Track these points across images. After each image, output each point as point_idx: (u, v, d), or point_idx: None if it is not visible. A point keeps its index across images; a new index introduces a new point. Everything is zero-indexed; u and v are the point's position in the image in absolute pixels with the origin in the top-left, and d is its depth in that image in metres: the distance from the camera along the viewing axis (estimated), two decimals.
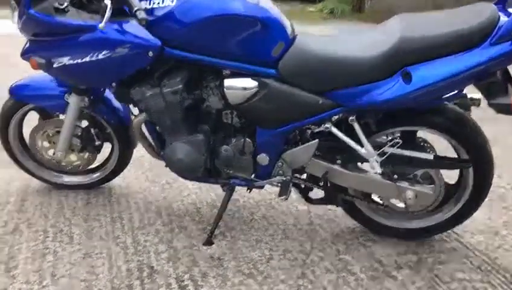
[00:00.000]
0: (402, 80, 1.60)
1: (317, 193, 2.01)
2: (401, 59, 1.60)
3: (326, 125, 1.77)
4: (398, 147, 1.79)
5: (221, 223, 2.11)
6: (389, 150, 1.78)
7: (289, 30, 1.76)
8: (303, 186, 2.01)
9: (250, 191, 2.04)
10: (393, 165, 1.82)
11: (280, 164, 1.91)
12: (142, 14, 1.56)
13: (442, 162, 1.82)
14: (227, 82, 1.76)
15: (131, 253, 1.92)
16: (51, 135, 2.25)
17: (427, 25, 1.63)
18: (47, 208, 2.26)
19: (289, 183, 1.91)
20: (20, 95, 2.14)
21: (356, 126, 1.75)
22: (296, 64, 1.72)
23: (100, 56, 1.74)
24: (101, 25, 1.57)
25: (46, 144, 2.28)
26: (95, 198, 2.37)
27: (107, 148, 2.32)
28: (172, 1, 1.68)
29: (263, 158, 1.90)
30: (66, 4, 1.73)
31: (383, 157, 1.77)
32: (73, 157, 2.30)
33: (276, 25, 1.71)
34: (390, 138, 1.83)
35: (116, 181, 2.47)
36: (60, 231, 2.07)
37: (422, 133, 1.83)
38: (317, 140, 1.82)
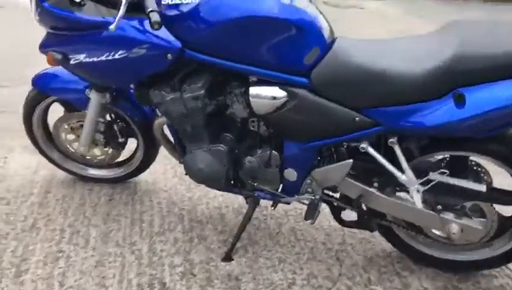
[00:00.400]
0: (454, 103, 1.35)
1: (350, 214, 1.80)
2: (455, 79, 1.35)
3: (363, 145, 1.55)
4: (444, 174, 1.55)
5: (245, 234, 1.95)
6: (434, 177, 1.55)
7: (327, 33, 1.54)
8: (335, 204, 1.81)
9: (274, 208, 1.87)
10: (438, 194, 1.58)
11: (309, 181, 1.72)
12: (155, 17, 1.38)
13: (498, 196, 1.57)
14: (253, 90, 1.57)
15: (145, 264, 1.81)
16: (74, 128, 2.15)
17: (489, 38, 1.36)
18: (68, 203, 2.18)
19: (317, 206, 1.72)
20: (42, 87, 2.04)
21: (397, 149, 1.52)
22: (331, 74, 1.50)
23: (116, 56, 1.60)
24: (111, 27, 1.41)
25: (70, 136, 2.19)
26: (118, 194, 2.28)
27: (133, 143, 2.21)
28: None
29: (290, 173, 1.71)
30: None
31: (426, 187, 1.54)
32: (97, 151, 2.20)
33: (312, 29, 1.49)
34: (435, 162, 1.60)
35: (144, 175, 2.36)
36: (77, 231, 1.99)
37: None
38: (351, 160, 1.61)
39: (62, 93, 2.03)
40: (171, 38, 1.55)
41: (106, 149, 2.17)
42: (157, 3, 1.44)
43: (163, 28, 1.54)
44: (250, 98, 1.58)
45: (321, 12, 1.59)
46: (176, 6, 1.52)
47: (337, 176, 1.66)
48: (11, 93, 3.52)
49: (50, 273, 1.76)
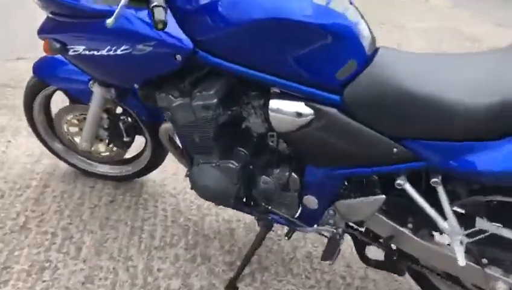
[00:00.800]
0: None
1: (376, 252, 1.55)
2: None
3: (399, 181, 1.29)
4: (492, 223, 1.28)
5: (254, 257, 1.73)
6: (482, 226, 1.28)
7: (367, 44, 1.27)
8: (358, 238, 1.57)
9: (289, 238, 1.63)
10: (485, 246, 1.32)
11: (332, 212, 1.48)
12: (159, 14, 1.13)
13: None
14: (274, 103, 1.33)
15: (139, 286, 1.61)
16: (78, 120, 1.95)
17: None
18: (66, 201, 2.00)
19: (338, 242, 1.48)
20: (42, 75, 1.84)
21: (440, 191, 1.25)
22: (368, 94, 1.24)
23: (118, 51, 1.37)
24: (108, 21, 1.17)
25: (72, 129, 1.99)
26: (121, 195, 2.08)
27: (141, 139, 2.00)
28: None
29: (311, 201, 1.47)
30: None
31: (472, 239, 1.28)
32: (101, 147, 1.99)
33: (350, 38, 1.23)
34: (481, 205, 1.33)
35: (153, 174, 2.14)
36: (70, 237, 1.80)
37: None
38: (384, 196, 1.36)
39: (64, 84, 1.82)
40: (182, 36, 1.31)
41: (111, 146, 1.97)
42: None
43: (173, 23, 1.31)
44: (269, 112, 1.34)
45: (363, 16, 1.32)
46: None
47: (366, 211, 1.41)
48: (29, 67, 3.36)
49: (31, 287, 1.57)
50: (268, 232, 1.65)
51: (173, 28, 1.30)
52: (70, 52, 1.47)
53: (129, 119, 1.89)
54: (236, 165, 1.47)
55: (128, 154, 2.07)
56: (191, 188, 1.60)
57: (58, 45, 1.48)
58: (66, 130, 1.98)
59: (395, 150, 1.25)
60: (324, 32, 1.20)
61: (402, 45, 4.14)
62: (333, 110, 1.28)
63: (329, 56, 1.23)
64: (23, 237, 1.78)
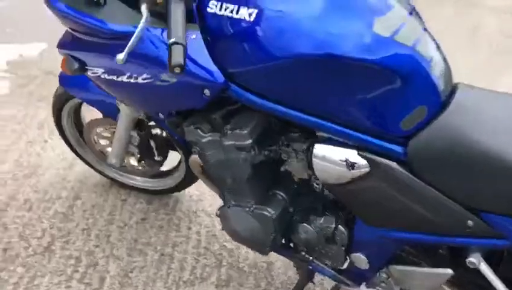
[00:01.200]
0: None
1: None
2: None
3: (473, 259, 1.03)
4: None
5: None
6: None
7: (442, 85, 1.00)
8: None
9: None
10: None
11: (384, 275, 1.24)
12: (178, 56, 0.90)
13: None
14: (320, 150, 1.09)
15: None
16: (109, 134, 1.79)
17: None
18: (95, 217, 1.86)
19: None
20: (68, 87, 1.68)
21: None
22: (440, 150, 0.98)
23: (139, 80, 1.17)
24: (119, 56, 0.97)
25: (103, 142, 1.83)
26: (154, 212, 1.92)
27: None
28: (250, 15, 1.01)
29: (360, 259, 1.24)
30: None
31: None
32: (133, 161, 1.83)
33: (422, 80, 0.97)
34: None
35: (190, 188, 1.96)
36: (95, 264, 1.66)
37: None
38: (450, 271, 1.10)
39: (90, 98, 1.64)
40: (212, 67, 1.08)
41: (142, 162, 1.80)
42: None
43: (203, 52, 1.08)
44: (313, 158, 1.10)
45: (439, 47, 1.05)
46: (225, 20, 1.05)
47: (427, 284, 1.16)
48: None
49: None
50: (307, 283, 1.44)
51: (203, 57, 1.08)
52: (89, 73, 1.29)
53: (163, 133, 1.71)
54: (273, 213, 1.25)
55: (164, 167, 1.90)
56: (222, 229, 1.41)
57: (76, 65, 1.29)
58: (96, 142, 1.84)
59: (469, 222, 0.99)
60: (388, 73, 0.94)
61: (478, 28, 3.73)
62: (394, 165, 1.03)
63: (394, 101, 0.98)
64: (46, 260, 1.66)
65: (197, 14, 1.09)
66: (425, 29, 1.04)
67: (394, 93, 0.97)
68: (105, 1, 1.16)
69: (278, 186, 1.28)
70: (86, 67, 1.29)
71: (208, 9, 1.07)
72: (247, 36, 1.01)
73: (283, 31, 0.98)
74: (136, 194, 2.00)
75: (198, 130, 1.21)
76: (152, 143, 1.69)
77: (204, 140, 1.21)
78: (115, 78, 1.22)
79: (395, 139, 1.02)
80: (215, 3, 1.05)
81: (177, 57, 0.90)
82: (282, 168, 1.23)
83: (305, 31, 0.96)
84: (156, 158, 1.72)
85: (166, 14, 0.96)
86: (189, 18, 1.05)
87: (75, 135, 1.93)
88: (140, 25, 0.99)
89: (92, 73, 1.28)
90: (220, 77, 1.08)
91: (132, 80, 1.19)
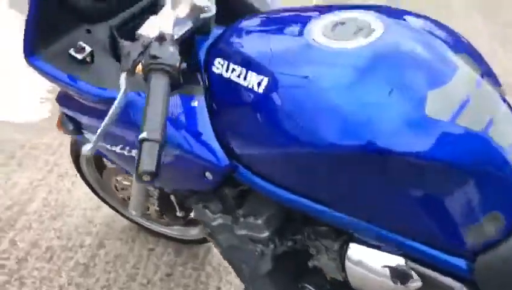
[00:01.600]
0: None
1: None
2: None
3: None
4: None
5: None
6: None
7: None
8: None
9: None
10: None
11: None
12: (149, 160, 0.66)
13: None
14: (355, 252, 0.83)
15: None
16: (127, 183, 1.61)
17: None
18: (118, 272, 1.69)
19: None
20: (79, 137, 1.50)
21: None
22: None
23: (133, 153, 0.97)
24: (85, 148, 0.77)
25: (123, 191, 1.66)
26: (181, 266, 1.72)
27: None
28: (259, 84, 0.76)
29: None
30: (86, 53, 0.94)
31: None
32: (155, 212, 1.64)
33: (494, 179, 0.69)
34: None
35: None
36: None
37: None
38: None
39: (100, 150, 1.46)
40: (215, 145, 0.85)
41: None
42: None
43: (205, 124, 0.86)
44: (347, 261, 0.84)
45: None
46: (232, 86, 0.81)
47: None
48: None
49: None
50: None
51: (204, 131, 0.86)
52: (85, 134, 1.11)
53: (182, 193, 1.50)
54: None
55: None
56: None
57: (71, 126, 1.11)
58: (116, 190, 1.66)
59: None
60: (448, 170, 0.67)
61: None
62: (456, 285, 0.75)
63: (457, 205, 0.70)
64: None
65: (204, 72, 0.86)
66: (504, 100, 0.74)
67: (457, 196, 0.69)
68: (92, 59, 0.96)
69: (305, 280, 1.03)
70: (82, 129, 1.10)
71: (214, 69, 0.84)
72: (256, 112, 0.77)
73: (303, 109, 0.73)
74: (165, 242, 1.82)
75: (207, 211, 0.99)
76: (172, 198, 1.49)
77: (214, 223, 0.99)
78: (108, 146, 1.02)
79: (458, 252, 0.74)
80: (221, 61, 0.83)
81: (148, 160, 0.66)
82: (310, 263, 0.97)
83: (334, 111, 0.71)
84: (178, 214, 1.52)
85: (146, 91, 0.73)
86: (194, 80, 0.84)
87: (98, 180, 1.76)
88: (115, 104, 0.77)
89: (87, 136, 1.09)
90: (223, 159, 0.84)
91: (125, 152, 0.98)
